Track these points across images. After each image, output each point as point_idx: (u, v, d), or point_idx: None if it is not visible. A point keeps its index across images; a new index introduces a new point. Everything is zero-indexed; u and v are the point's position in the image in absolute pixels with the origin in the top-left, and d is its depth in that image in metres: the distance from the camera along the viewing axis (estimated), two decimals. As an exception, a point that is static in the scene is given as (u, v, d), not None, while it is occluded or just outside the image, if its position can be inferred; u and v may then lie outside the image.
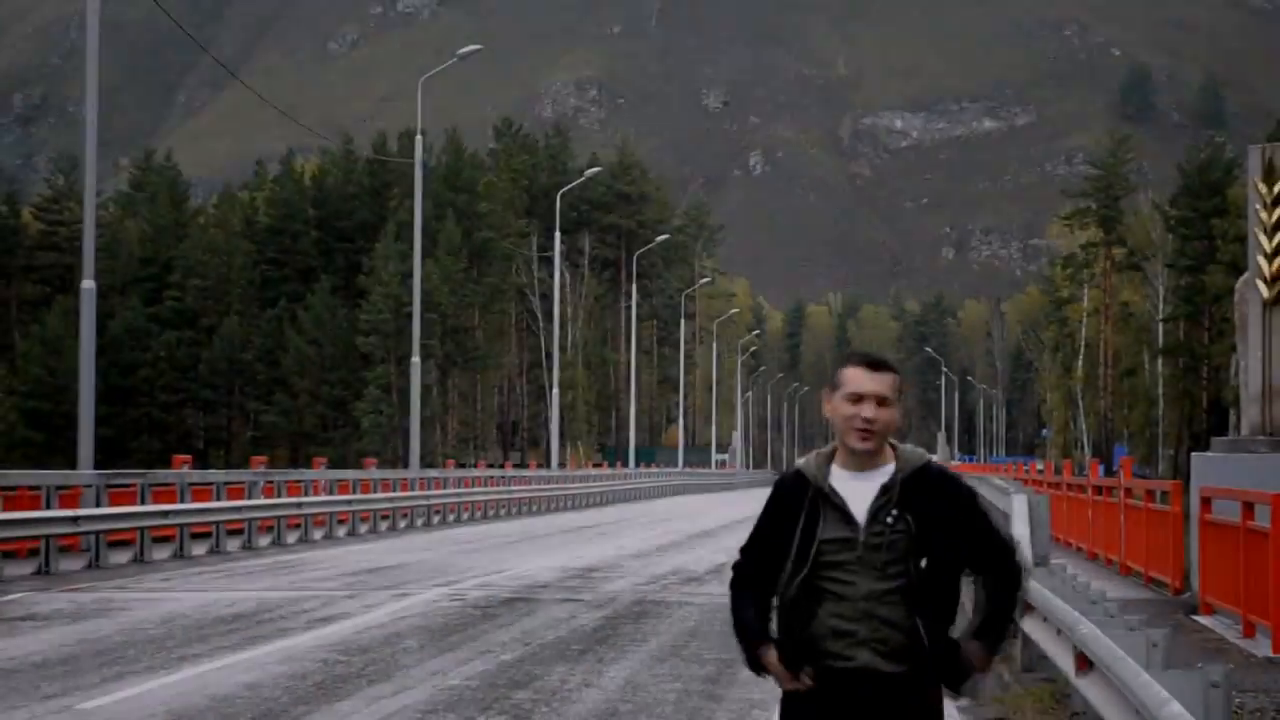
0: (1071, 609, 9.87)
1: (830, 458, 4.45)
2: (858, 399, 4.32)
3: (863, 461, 4.35)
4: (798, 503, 4.36)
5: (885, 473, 4.36)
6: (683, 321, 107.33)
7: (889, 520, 4.24)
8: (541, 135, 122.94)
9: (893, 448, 4.41)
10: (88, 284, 28.10)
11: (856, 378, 4.35)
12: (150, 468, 39.57)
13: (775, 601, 4.43)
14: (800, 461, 4.48)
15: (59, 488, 23.30)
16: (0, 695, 11.11)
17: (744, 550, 4.55)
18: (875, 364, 4.40)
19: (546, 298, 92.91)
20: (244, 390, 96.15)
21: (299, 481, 31.80)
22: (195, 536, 25.65)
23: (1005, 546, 4.52)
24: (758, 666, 4.43)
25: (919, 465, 4.37)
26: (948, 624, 4.34)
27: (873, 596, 4.21)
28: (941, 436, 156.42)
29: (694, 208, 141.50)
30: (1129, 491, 23.60)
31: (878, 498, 4.25)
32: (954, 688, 4.37)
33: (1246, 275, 18.16)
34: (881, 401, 4.32)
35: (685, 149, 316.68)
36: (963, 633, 4.36)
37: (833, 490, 4.35)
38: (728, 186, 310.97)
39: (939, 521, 4.26)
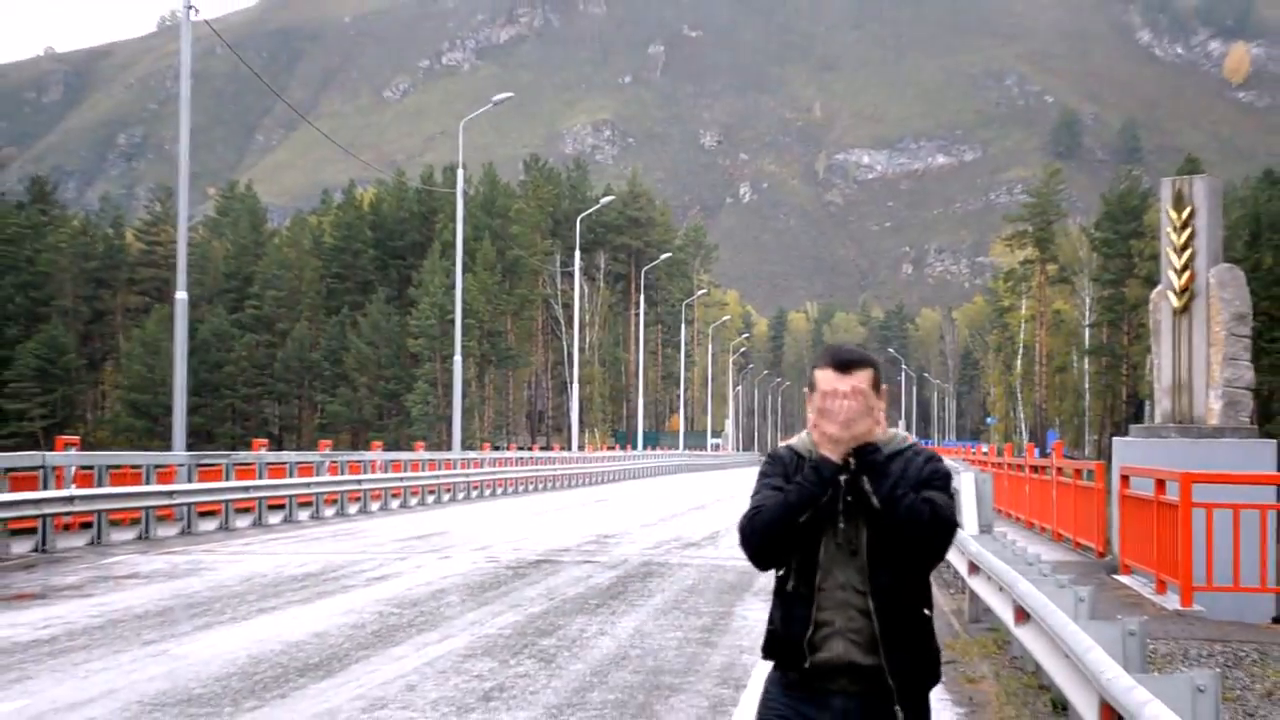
0: (1011, 569, 9.89)
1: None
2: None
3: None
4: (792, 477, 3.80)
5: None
6: (683, 326, 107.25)
7: (852, 504, 3.70)
8: (563, 169, 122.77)
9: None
10: (181, 295, 28.16)
11: (825, 381, 3.71)
12: (233, 450, 39.65)
13: (774, 589, 3.88)
14: (793, 439, 3.93)
15: (157, 467, 23.41)
16: (108, 640, 11.16)
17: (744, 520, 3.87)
18: (846, 364, 3.73)
19: (567, 306, 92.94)
20: (312, 384, 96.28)
21: (359, 462, 31.83)
22: (271, 508, 25.71)
23: (943, 513, 3.70)
24: (826, 474, 3.68)
25: (899, 449, 3.80)
26: (916, 610, 3.74)
27: (849, 586, 3.68)
28: (901, 424, 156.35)
29: (692, 230, 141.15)
30: (1060, 470, 23.57)
31: (846, 483, 3.70)
32: (918, 685, 3.74)
33: (1159, 287, 18.12)
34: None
35: (685, 181, 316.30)
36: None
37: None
38: (721, 213, 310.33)
39: (904, 488, 3.69)
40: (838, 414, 3.69)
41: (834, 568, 3.71)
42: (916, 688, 3.72)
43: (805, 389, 3.90)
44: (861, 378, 3.71)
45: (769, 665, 3.91)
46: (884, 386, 3.80)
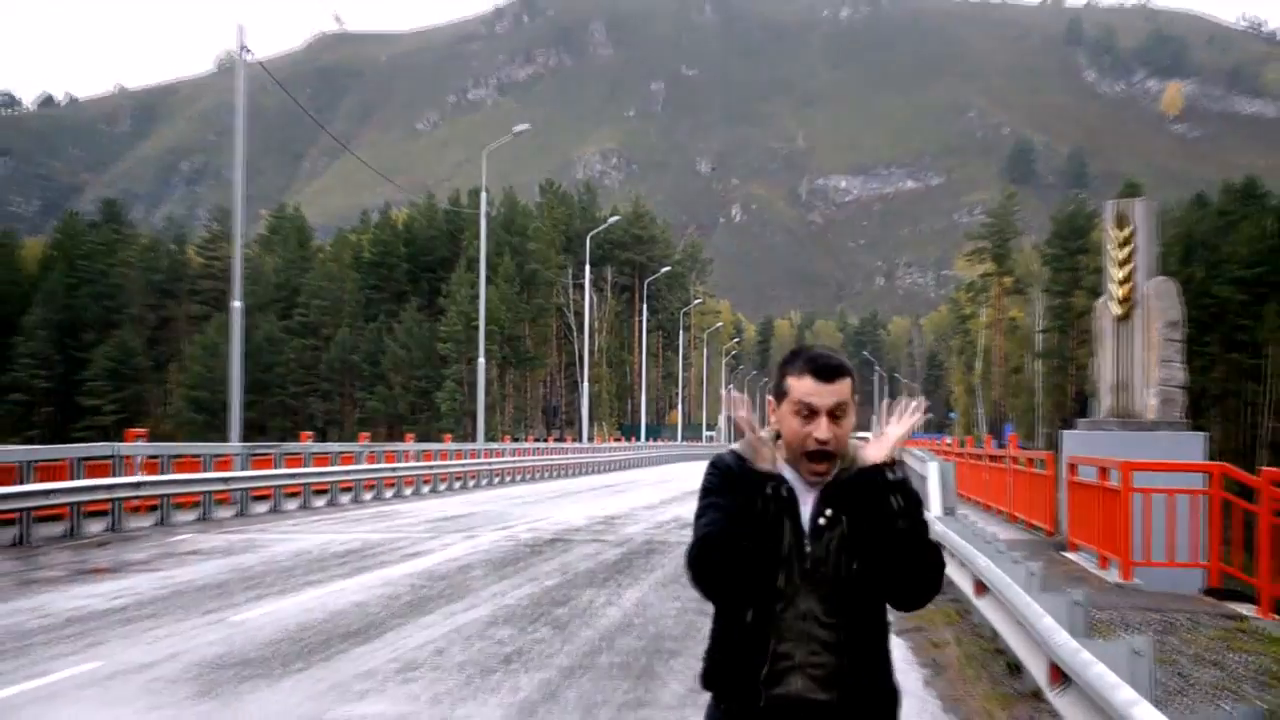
0: (971, 546, 9.91)
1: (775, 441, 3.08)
2: (810, 413, 2.95)
3: (824, 472, 3.02)
4: (747, 489, 3.00)
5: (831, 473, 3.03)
6: (681, 332, 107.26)
7: (824, 526, 2.95)
8: (575, 193, 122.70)
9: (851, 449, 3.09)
10: (236, 304, 28.19)
11: (806, 390, 2.95)
12: (282, 441, 39.64)
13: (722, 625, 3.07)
14: (739, 444, 3.07)
15: (215, 456, 23.39)
16: (173, 609, 11.18)
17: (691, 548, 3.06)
18: (829, 371, 2.96)
19: (578, 314, 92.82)
20: (353, 383, 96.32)
21: (394, 451, 31.83)
22: (316, 493, 25.74)
23: (930, 550, 3.01)
24: (757, 476, 2.97)
25: (868, 465, 3.01)
26: (879, 644, 3.03)
27: (810, 616, 2.93)
28: (874, 418, 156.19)
29: (689, 247, 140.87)
30: (1014, 460, 23.56)
31: (816, 504, 2.97)
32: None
33: (1103, 298, 18.13)
34: (836, 414, 2.96)
35: (683, 203, 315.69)
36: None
37: (790, 493, 3.02)
38: (715, 231, 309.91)
39: (873, 520, 2.94)
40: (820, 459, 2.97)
41: (796, 596, 2.93)
42: None
43: (769, 397, 3.10)
44: (844, 388, 2.96)
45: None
46: (856, 396, 3.04)
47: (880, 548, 2.93)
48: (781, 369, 3.05)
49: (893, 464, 2.98)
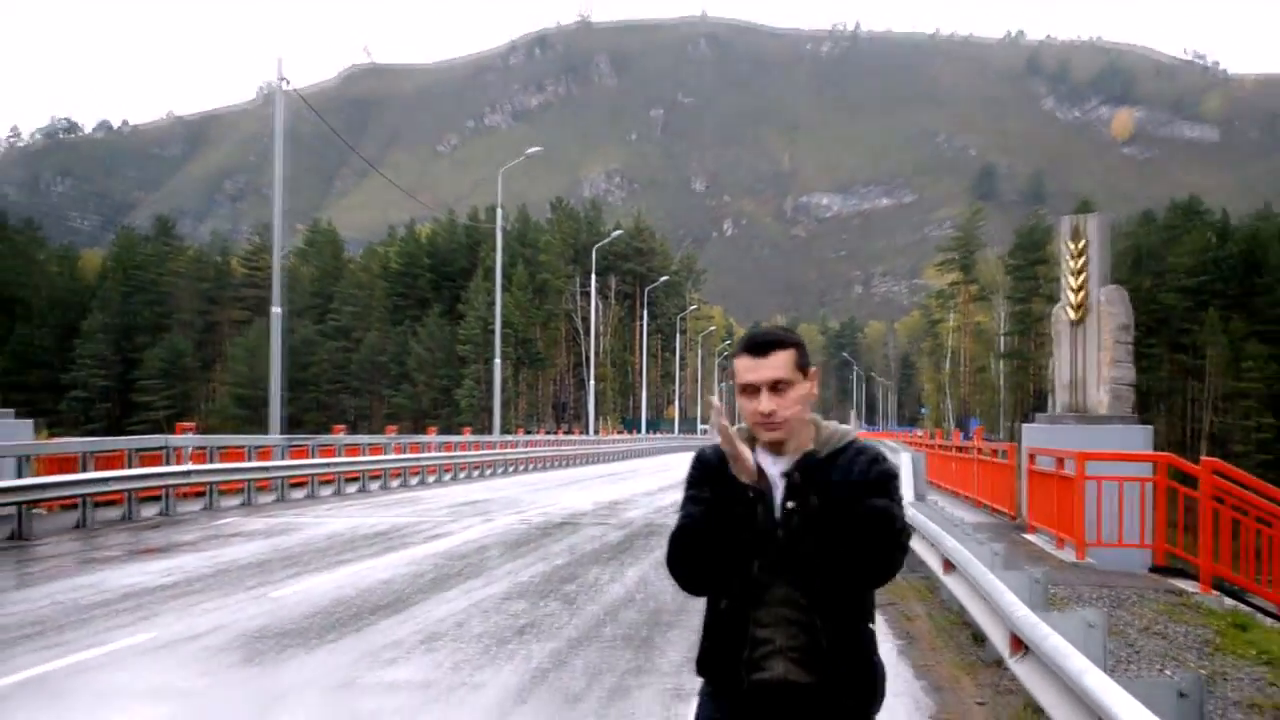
0: (940, 529, 9.92)
1: (752, 436, 2.82)
2: (751, 391, 2.76)
3: (781, 445, 2.78)
4: (722, 483, 2.78)
5: (793, 458, 2.78)
6: (678, 335, 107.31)
7: (793, 510, 2.72)
8: (582, 209, 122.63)
9: (816, 429, 2.82)
10: (276, 309, 28.24)
11: (743, 368, 2.76)
12: (317, 434, 39.69)
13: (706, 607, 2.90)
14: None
15: (256, 447, 23.45)
16: (218, 585, 11.20)
17: (671, 543, 2.91)
18: (761, 345, 2.75)
19: (585, 319, 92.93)
20: (381, 381, 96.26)
21: (418, 443, 31.90)
22: (348, 480, 25.67)
23: (891, 523, 2.70)
24: (740, 490, 2.73)
25: (839, 445, 2.78)
26: (858, 625, 2.78)
27: (789, 601, 2.72)
28: (853, 413, 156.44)
29: (685, 258, 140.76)
30: (979, 450, 23.60)
31: (784, 492, 2.74)
32: (862, 704, 2.78)
33: (1059, 304, 18.14)
34: (777, 386, 2.73)
35: (679, 218, 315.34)
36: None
37: (760, 471, 2.78)
38: (708, 244, 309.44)
39: (845, 502, 2.68)
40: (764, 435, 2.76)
41: (773, 581, 2.72)
42: (861, 707, 2.77)
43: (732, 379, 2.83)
44: (779, 361, 2.72)
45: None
46: (812, 368, 2.80)
47: (836, 530, 2.67)
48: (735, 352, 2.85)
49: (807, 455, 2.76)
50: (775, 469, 2.76)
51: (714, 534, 2.77)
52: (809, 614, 2.72)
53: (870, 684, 2.78)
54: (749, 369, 2.75)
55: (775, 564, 2.73)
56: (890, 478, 2.75)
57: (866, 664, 2.77)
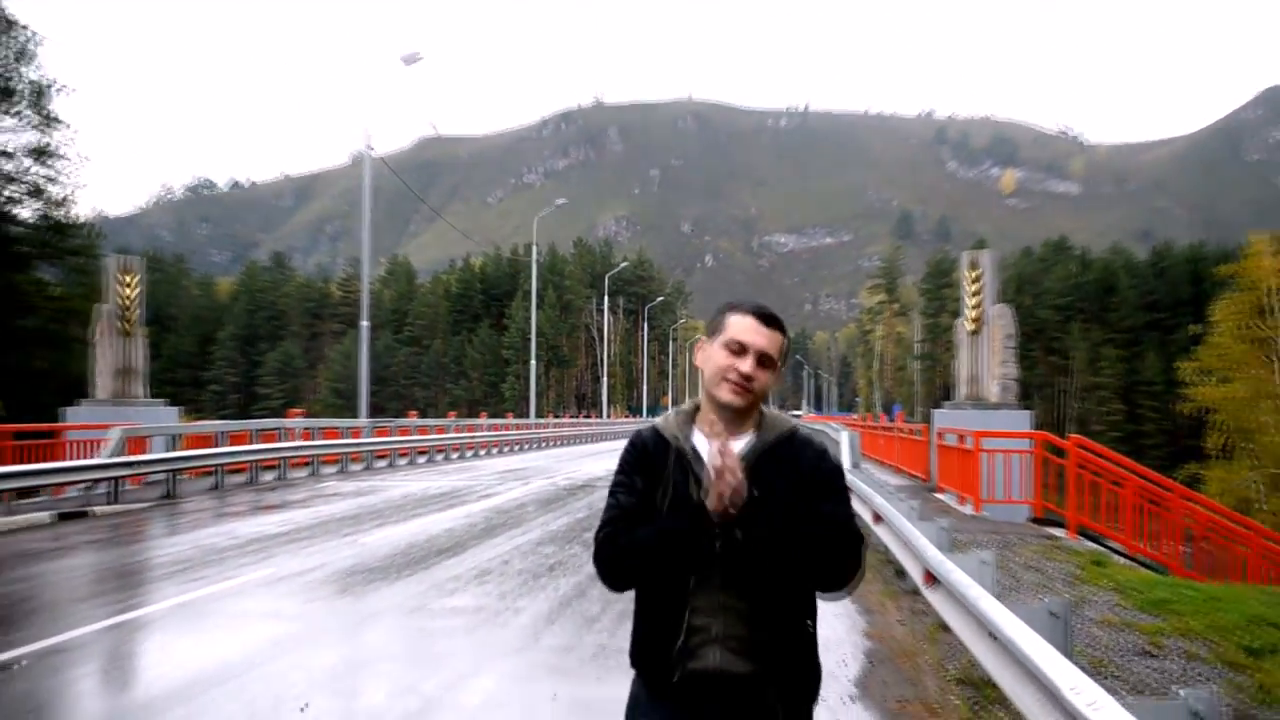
0: (871, 489, 9.90)
1: (691, 417, 2.15)
2: (740, 349, 2.07)
3: (726, 426, 2.08)
4: (659, 465, 2.08)
5: (744, 441, 2.08)
6: (670, 342, 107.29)
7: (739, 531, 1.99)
8: (597, 246, 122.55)
9: (760, 415, 2.13)
10: (364, 324, 28.18)
11: (744, 327, 2.08)
12: (396, 418, 39.69)
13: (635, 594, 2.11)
14: (657, 420, 2.17)
15: (349, 427, 23.45)
16: (320, 534, 11.19)
17: (606, 524, 2.08)
18: (768, 318, 2.11)
19: (600, 330, 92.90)
20: (444, 377, 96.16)
21: (473, 425, 31.91)
22: (419, 454, 25.68)
23: (848, 532, 2.05)
24: (704, 518, 1.97)
25: (784, 433, 2.10)
26: (801, 619, 2.06)
27: (728, 588, 2.01)
28: (805, 401, 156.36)
29: (676, 284, 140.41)
30: (900, 430, 23.57)
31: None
32: (800, 697, 2.06)
33: (960, 318, 18.13)
34: (764, 361, 2.08)
35: (672, 253, 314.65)
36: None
37: (696, 454, 2.07)
38: (694, 273, 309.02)
39: (789, 492, 2.03)
40: (721, 491, 1.94)
41: (712, 569, 2.01)
42: (799, 700, 2.06)
43: (701, 337, 2.20)
44: (777, 339, 2.10)
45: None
46: (784, 364, 2.16)
47: (788, 542, 1.99)
48: (723, 310, 2.17)
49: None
50: (711, 447, 1.99)
51: (662, 561, 2.00)
52: (750, 603, 2.00)
53: (809, 677, 2.08)
54: (751, 330, 2.08)
55: (713, 551, 2.00)
56: (839, 474, 2.11)
57: (807, 658, 2.08)
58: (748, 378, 2.06)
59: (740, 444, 2.06)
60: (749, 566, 1.99)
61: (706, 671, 2.01)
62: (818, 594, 2.09)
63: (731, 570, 2.01)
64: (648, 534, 2.03)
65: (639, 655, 2.10)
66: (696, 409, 2.16)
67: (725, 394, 2.06)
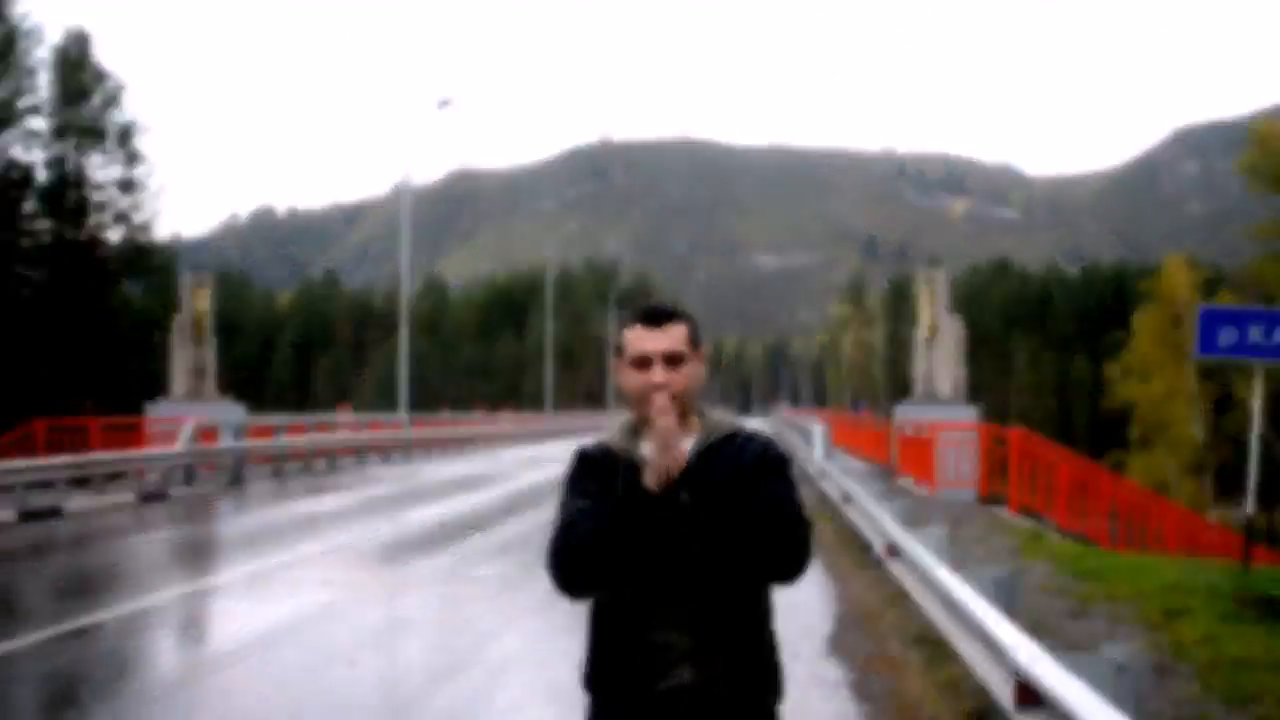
0: (841, 474, 9.89)
1: (636, 429, 1.75)
2: (644, 362, 1.70)
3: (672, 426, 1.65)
4: (609, 479, 1.70)
5: (687, 443, 1.69)
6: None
7: (684, 502, 1.63)
8: (604, 266, 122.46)
9: (700, 416, 1.75)
10: (403, 330, 28.16)
11: (637, 338, 1.72)
12: (432, 413, 39.59)
13: (590, 611, 1.75)
14: (602, 434, 1.82)
15: (391, 420, 23.40)
16: (366, 513, 11.20)
17: (559, 526, 1.74)
18: (655, 316, 1.74)
19: (608, 340, 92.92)
20: (473, 378, 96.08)
21: (496, 418, 31.80)
22: (454, 443, 25.67)
23: (792, 510, 1.65)
24: (638, 491, 1.63)
25: (725, 433, 1.72)
26: (761, 625, 1.72)
27: (683, 600, 1.65)
28: (786, 401, 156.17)
29: (673, 298, 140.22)
30: (867, 422, 23.54)
31: (672, 487, 1.63)
32: (765, 702, 1.71)
33: (918, 327, 18.12)
34: (672, 359, 1.70)
35: (668, 272, 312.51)
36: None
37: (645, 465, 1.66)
38: (688, 289, 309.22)
39: (733, 478, 1.66)
40: (661, 437, 1.61)
41: (664, 580, 1.65)
42: (760, 706, 1.71)
43: (613, 358, 1.84)
44: (675, 333, 1.72)
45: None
46: (703, 346, 1.80)
47: (731, 519, 1.63)
48: (621, 326, 1.82)
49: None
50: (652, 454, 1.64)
51: (612, 537, 1.64)
52: (702, 613, 1.65)
53: (774, 681, 1.73)
54: (643, 339, 1.71)
55: (665, 560, 1.65)
56: (785, 462, 1.73)
57: (767, 663, 1.72)
58: (660, 385, 1.68)
59: (684, 445, 1.67)
60: (698, 540, 1.64)
61: (678, 689, 1.64)
62: (769, 582, 1.71)
63: (687, 572, 1.65)
64: (597, 510, 1.67)
65: (599, 678, 1.70)
66: (635, 427, 1.75)
67: (652, 414, 1.66)
